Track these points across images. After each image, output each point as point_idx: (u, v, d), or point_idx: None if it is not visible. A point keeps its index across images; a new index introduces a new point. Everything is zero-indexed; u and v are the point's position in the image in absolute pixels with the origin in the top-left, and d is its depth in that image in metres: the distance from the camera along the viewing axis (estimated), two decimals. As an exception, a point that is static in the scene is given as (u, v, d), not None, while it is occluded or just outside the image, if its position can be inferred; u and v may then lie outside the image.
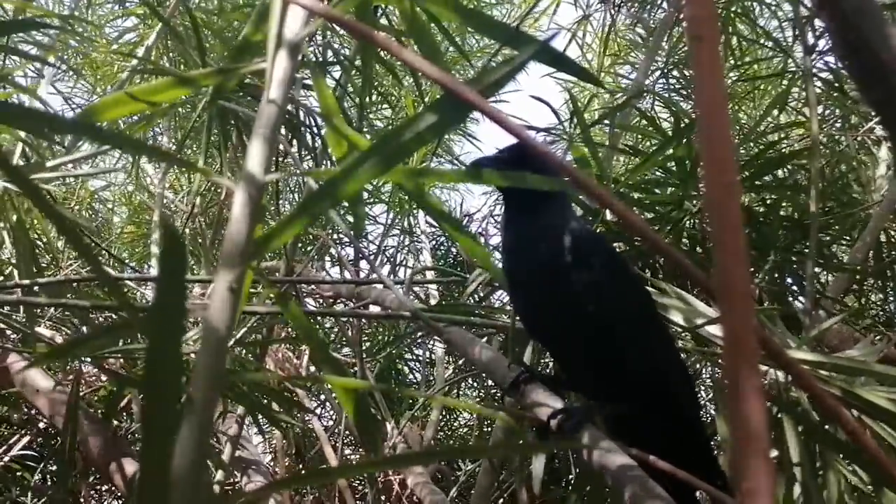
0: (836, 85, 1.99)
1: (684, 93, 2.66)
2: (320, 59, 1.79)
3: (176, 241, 0.35)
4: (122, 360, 1.73)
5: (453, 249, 3.26)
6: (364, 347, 2.50)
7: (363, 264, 2.62)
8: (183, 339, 0.35)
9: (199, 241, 3.04)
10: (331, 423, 3.07)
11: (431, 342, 2.84)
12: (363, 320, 2.35)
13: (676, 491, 0.78)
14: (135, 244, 3.46)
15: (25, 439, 2.53)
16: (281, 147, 1.77)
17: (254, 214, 0.44)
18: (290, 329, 2.60)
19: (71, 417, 1.55)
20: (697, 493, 1.06)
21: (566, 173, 0.42)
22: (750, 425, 0.31)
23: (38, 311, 2.07)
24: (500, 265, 1.07)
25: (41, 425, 2.61)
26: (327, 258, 3.11)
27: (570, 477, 1.93)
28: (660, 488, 0.76)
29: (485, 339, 1.22)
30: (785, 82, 2.21)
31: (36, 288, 1.65)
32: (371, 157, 0.46)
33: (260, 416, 1.72)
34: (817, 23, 1.79)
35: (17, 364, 1.91)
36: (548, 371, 1.09)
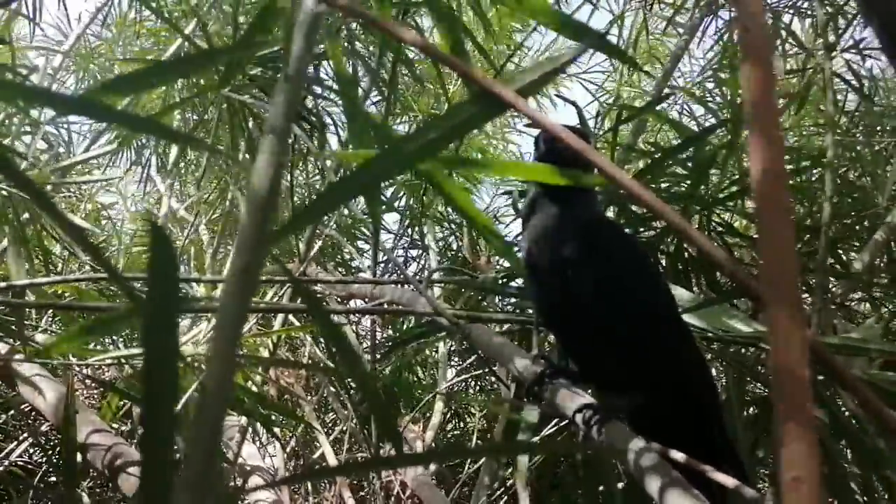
0: (858, 85, 1.99)
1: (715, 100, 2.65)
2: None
3: (164, 239, 0.35)
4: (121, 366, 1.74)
5: (460, 255, 3.27)
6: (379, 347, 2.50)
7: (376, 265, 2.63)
8: (177, 332, 0.35)
9: (203, 249, 3.07)
10: (333, 426, 3.09)
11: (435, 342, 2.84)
12: (377, 322, 2.35)
13: (699, 483, 0.78)
14: (141, 255, 3.46)
15: (25, 444, 2.53)
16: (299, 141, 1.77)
17: (271, 196, 0.43)
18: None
19: (67, 420, 1.55)
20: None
21: (599, 168, 0.43)
22: (797, 416, 0.31)
23: (36, 316, 2.08)
24: (521, 255, 1.08)
25: (43, 427, 2.61)
26: (338, 259, 3.13)
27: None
28: (687, 483, 0.76)
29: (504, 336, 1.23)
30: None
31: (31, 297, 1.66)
32: (411, 142, 0.45)
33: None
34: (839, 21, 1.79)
35: (20, 366, 1.91)
36: (571, 366, 1.09)
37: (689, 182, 1.52)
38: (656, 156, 1.64)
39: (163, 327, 0.34)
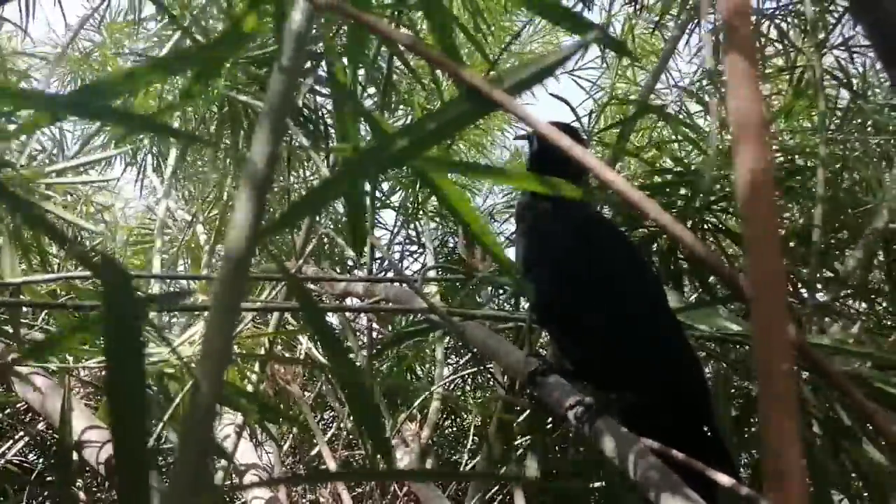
0: (848, 82, 2.00)
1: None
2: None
3: (114, 266, 0.35)
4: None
5: (456, 253, 3.27)
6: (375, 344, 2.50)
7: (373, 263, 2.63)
8: (142, 354, 0.35)
9: (200, 247, 3.07)
10: (330, 423, 3.10)
11: (433, 339, 2.84)
12: (373, 321, 2.35)
13: (691, 481, 0.79)
14: (138, 253, 3.46)
15: (21, 443, 2.53)
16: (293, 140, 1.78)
17: (262, 190, 0.43)
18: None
19: (63, 420, 1.55)
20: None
21: (590, 168, 0.43)
22: (781, 410, 0.31)
23: (31, 316, 2.09)
24: (515, 252, 1.08)
25: (40, 426, 2.61)
26: (335, 257, 3.14)
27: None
28: (680, 480, 0.77)
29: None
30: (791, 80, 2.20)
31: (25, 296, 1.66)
32: (401, 138, 0.46)
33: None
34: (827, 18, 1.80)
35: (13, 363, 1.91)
36: (564, 363, 1.10)
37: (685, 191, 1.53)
38: (648, 155, 1.65)
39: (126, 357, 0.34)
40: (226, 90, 1.68)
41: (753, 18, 2.20)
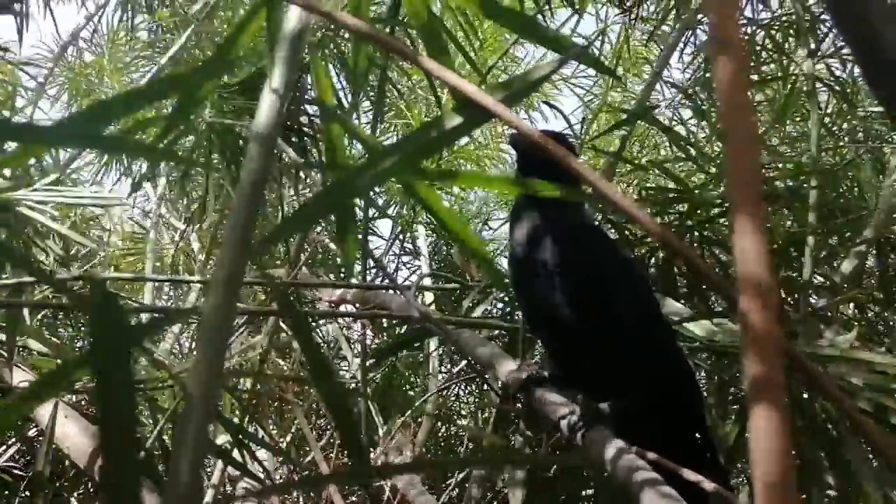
0: (840, 90, 2.01)
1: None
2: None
3: (104, 293, 0.35)
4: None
5: (450, 259, 3.27)
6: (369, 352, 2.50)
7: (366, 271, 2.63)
8: (132, 376, 0.35)
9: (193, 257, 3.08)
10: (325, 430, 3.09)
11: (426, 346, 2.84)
12: (367, 328, 2.35)
13: (682, 490, 0.79)
14: (132, 261, 3.45)
15: (12, 449, 2.52)
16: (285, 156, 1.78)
17: (254, 205, 0.43)
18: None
19: (51, 424, 1.54)
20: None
21: (584, 179, 0.43)
22: (770, 421, 0.31)
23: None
24: (508, 258, 1.09)
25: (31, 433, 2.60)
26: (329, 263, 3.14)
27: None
28: (671, 488, 0.77)
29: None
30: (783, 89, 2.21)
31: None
32: (392, 154, 0.46)
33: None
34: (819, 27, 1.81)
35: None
36: (556, 371, 1.10)
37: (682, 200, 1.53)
38: (644, 164, 1.65)
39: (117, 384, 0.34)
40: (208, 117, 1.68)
41: (747, 28, 2.21)
